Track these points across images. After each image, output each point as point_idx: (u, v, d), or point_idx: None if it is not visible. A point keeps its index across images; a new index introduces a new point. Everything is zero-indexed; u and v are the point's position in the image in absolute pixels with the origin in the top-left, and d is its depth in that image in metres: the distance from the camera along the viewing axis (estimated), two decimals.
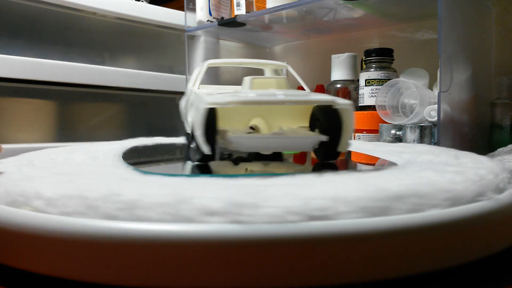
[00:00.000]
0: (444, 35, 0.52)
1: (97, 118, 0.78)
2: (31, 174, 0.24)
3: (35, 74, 0.66)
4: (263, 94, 0.28)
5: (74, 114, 0.76)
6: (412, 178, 0.23)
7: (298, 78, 0.38)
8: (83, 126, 0.76)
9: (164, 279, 0.18)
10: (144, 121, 0.84)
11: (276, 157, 0.36)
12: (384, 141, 0.57)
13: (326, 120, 0.29)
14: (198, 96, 0.30)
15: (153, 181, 0.22)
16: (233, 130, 0.29)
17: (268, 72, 0.45)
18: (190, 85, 0.42)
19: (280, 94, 0.28)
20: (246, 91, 0.30)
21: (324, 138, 0.28)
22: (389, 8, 0.69)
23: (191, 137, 0.32)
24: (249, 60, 0.42)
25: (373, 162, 0.37)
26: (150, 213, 0.18)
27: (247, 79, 0.32)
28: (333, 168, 0.31)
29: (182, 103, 0.44)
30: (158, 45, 0.88)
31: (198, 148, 0.28)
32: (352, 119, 0.28)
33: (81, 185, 0.21)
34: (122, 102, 0.82)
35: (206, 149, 0.26)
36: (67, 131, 0.74)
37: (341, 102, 0.27)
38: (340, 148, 0.29)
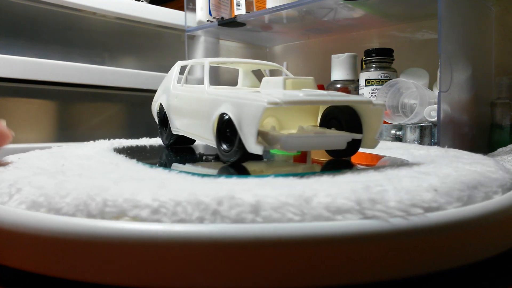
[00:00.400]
0: (444, 35, 0.52)
1: (97, 118, 0.78)
2: (89, 182, 0.21)
3: (35, 74, 0.66)
4: (313, 94, 0.28)
5: (74, 114, 0.76)
6: (462, 170, 0.25)
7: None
8: (83, 126, 0.76)
9: (172, 280, 0.18)
10: (144, 121, 0.84)
11: (259, 156, 0.36)
12: (384, 141, 0.57)
13: (349, 119, 0.30)
14: (238, 95, 0.28)
15: (254, 183, 0.21)
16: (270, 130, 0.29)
17: (242, 73, 0.44)
18: (171, 84, 0.41)
19: (326, 94, 0.28)
20: (288, 91, 0.30)
21: (359, 136, 0.29)
22: (389, 8, 0.69)
23: (218, 138, 0.30)
24: (247, 60, 0.42)
25: (368, 160, 0.37)
26: (278, 214, 0.18)
27: (278, 79, 0.31)
28: (350, 165, 0.32)
29: (161, 102, 0.42)
30: (158, 45, 0.88)
31: (239, 148, 0.28)
32: (382, 118, 0.29)
33: (182, 190, 0.20)
34: (122, 102, 0.82)
35: (258, 149, 0.26)
36: (67, 131, 0.74)
37: (376, 102, 0.29)
38: (369, 146, 0.30)
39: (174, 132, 0.41)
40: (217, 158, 0.38)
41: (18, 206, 0.21)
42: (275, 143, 0.27)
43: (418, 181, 0.22)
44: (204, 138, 0.34)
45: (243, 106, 0.27)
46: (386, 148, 0.40)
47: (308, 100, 0.27)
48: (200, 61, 0.40)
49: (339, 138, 0.29)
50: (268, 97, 0.25)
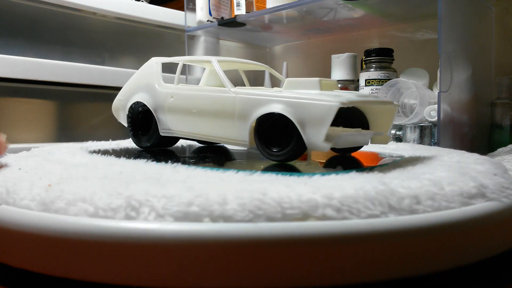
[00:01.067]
0: (444, 35, 0.52)
1: (97, 118, 0.78)
2: (221, 186, 0.20)
3: (35, 74, 0.66)
4: (361, 95, 0.30)
5: (74, 114, 0.76)
6: (472, 157, 0.29)
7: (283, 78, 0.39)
8: (83, 126, 0.76)
9: (171, 279, 0.18)
10: None
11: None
12: None
13: (359, 119, 0.33)
14: (291, 95, 0.29)
15: (366, 177, 0.23)
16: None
17: (208, 72, 0.44)
18: (156, 83, 0.39)
19: (368, 95, 0.32)
20: (340, 92, 0.31)
21: (379, 133, 0.32)
22: (389, 8, 0.69)
23: (258, 138, 0.31)
24: (247, 61, 0.42)
25: (363, 157, 0.37)
26: (436, 203, 0.20)
27: (312, 81, 0.31)
28: (357, 161, 0.35)
29: (139, 102, 0.40)
30: (158, 45, 0.88)
31: (297, 147, 0.28)
32: (395, 116, 0.32)
33: (336, 187, 0.20)
34: None
35: (327, 146, 0.27)
36: (67, 131, 0.74)
37: (395, 103, 0.32)
38: (383, 142, 0.32)
39: (163, 134, 0.38)
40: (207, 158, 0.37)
41: (161, 220, 0.19)
42: (330, 140, 0.28)
43: (472, 169, 0.24)
44: (224, 138, 0.33)
45: (306, 106, 0.28)
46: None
47: (362, 100, 0.30)
48: (202, 59, 0.39)
49: (368, 135, 0.32)
50: (334, 97, 0.27)
